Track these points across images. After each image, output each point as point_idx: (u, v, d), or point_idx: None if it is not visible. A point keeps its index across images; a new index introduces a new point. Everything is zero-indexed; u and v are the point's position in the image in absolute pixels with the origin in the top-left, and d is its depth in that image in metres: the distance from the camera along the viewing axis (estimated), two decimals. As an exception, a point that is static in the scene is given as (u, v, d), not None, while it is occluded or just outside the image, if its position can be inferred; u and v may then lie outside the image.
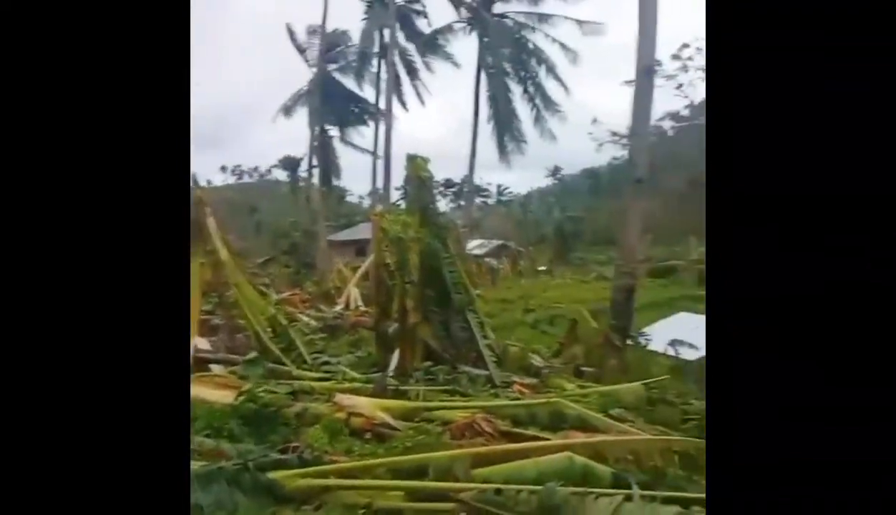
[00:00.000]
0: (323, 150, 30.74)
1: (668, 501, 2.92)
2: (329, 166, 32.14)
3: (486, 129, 27.64)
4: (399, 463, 3.37)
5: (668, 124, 59.95)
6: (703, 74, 48.12)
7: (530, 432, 4.40)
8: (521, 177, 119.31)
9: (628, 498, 2.86)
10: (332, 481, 3.17)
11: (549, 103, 26.06)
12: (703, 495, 3.01)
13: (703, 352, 11.06)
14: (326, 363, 7.54)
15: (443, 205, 61.51)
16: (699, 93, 55.30)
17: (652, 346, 9.16)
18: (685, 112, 58.87)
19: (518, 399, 5.76)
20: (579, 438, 4.01)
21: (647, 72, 8.71)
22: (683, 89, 49.78)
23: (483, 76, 26.73)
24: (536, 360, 8.05)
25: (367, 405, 4.71)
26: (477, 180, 37.48)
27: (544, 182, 76.16)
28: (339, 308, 14.60)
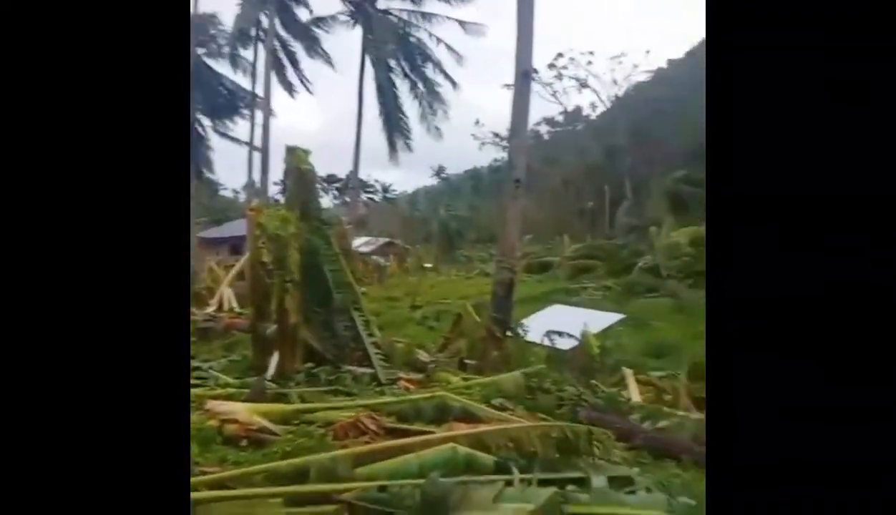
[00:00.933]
0: (194, 141, 28.53)
1: (544, 483, 3.05)
2: (200, 158, 29.88)
3: (369, 125, 27.39)
4: (278, 469, 3.18)
5: (544, 128, 63.62)
6: (576, 83, 51.60)
7: (416, 427, 4.39)
8: (407, 176, 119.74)
9: (509, 483, 2.95)
10: (202, 493, 2.91)
11: (436, 101, 26.34)
12: (580, 475, 3.20)
13: (575, 342, 11.87)
14: (197, 368, 6.99)
15: (326, 201, 59.99)
16: (572, 100, 59.29)
17: (529, 337, 9.62)
18: (559, 118, 62.89)
19: (405, 395, 5.73)
20: (463, 429, 4.08)
21: (524, 76, 9.12)
22: (558, 96, 53.02)
23: (367, 71, 26.45)
24: (422, 356, 8.10)
25: (242, 410, 4.41)
26: (363, 177, 36.98)
27: (430, 181, 77.32)
28: (211, 309, 13.64)
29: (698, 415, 9.23)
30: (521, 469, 3.15)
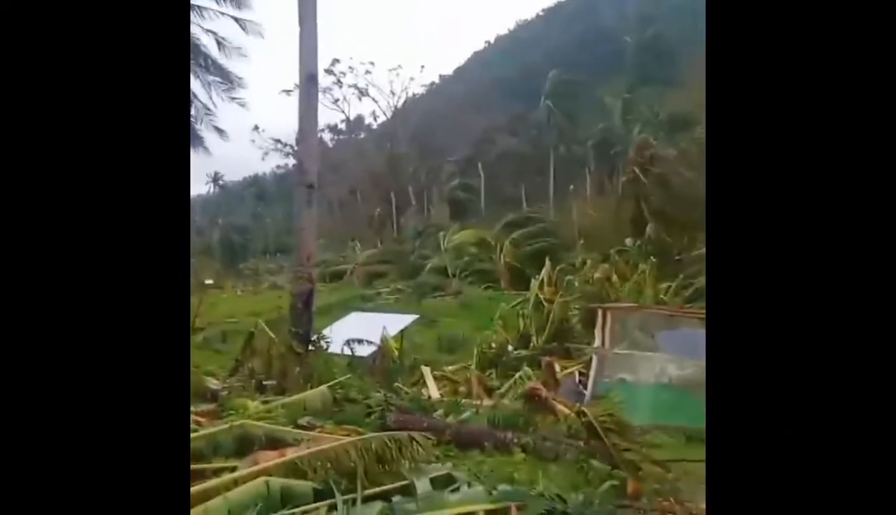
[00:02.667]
0: None
1: (368, 499, 2.93)
2: None
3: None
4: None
5: (327, 136, 63.10)
6: (356, 91, 52.24)
7: (215, 465, 3.87)
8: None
9: (333, 508, 2.75)
10: None
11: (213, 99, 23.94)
12: (404, 482, 3.15)
13: (374, 347, 11.95)
14: None
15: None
16: (354, 108, 59.94)
17: (332, 349, 9.36)
18: (342, 125, 63.08)
19: (195, 431, 5.03)
20: (272, 457, 3.72)
21: (310, 78, 8.84)
22: (339, 104, 53.10)
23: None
24: (212, 383, 7.26)
25: None
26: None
27: (204, 189, 70.63)
28: None
29: (490, 402, 10.09)
30: (344, 489, 2.98)
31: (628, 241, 24.80)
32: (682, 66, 36.09)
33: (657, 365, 8.77)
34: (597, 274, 17.93)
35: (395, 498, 2.87)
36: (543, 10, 77.36)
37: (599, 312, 10.15)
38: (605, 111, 41.46)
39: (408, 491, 3.01)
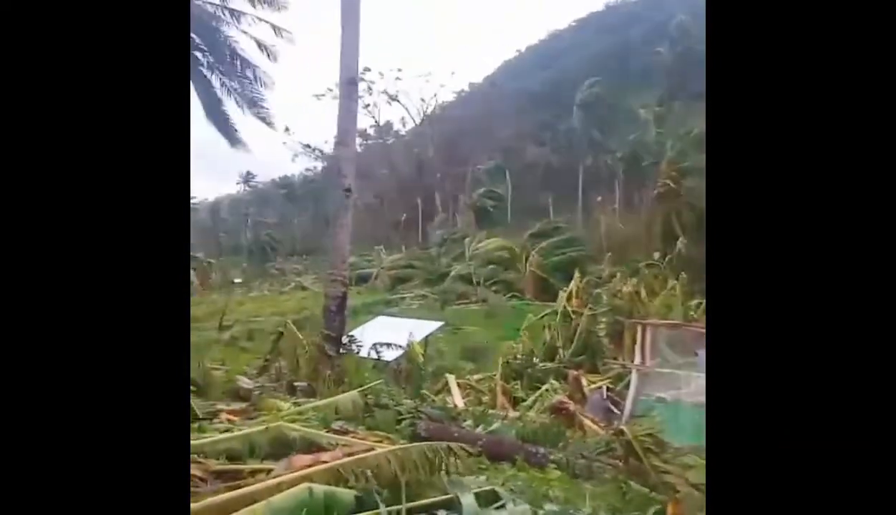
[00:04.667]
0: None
1: (412, 512, 2.86)
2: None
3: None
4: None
5: (357, 141, 63.60)
6: (386, 96, 52.69)
7: (251, 466, 3.84)
8: (207, 183, 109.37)
9: (376, 519, 2.69)
10: None
11: (252, 102, 24.32)
12: (448, 496, 3.08)
13: (400, 352, 11.93)
14: None
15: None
16: (383, 114, 60.45)
17: (362, 352, 9.36)
18: (371, 131, 63.65)
19: (229, 430, 5.03)
20: (306, 461, 3.68)
21: (350, 82, 8.88)
22: (370, 109, 53.58)
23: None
24: (244, 382, 7.29)
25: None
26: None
27: (234, 189, 71.80)
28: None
29: (514, 414, 9.96)
30: (385, 499, 2.91)
31: (657, 256, 24.41)
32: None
33: (697, 384, 8.54)
34: (625, 288, 17.66)
35: (440, 513, 2.79)
36: (576, 21, 77.13)
37: (638, 328, 9.94)
38: (636, 123, 40.99)
39: (451, 506, 2.93)
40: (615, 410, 9.20)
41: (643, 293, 17.35)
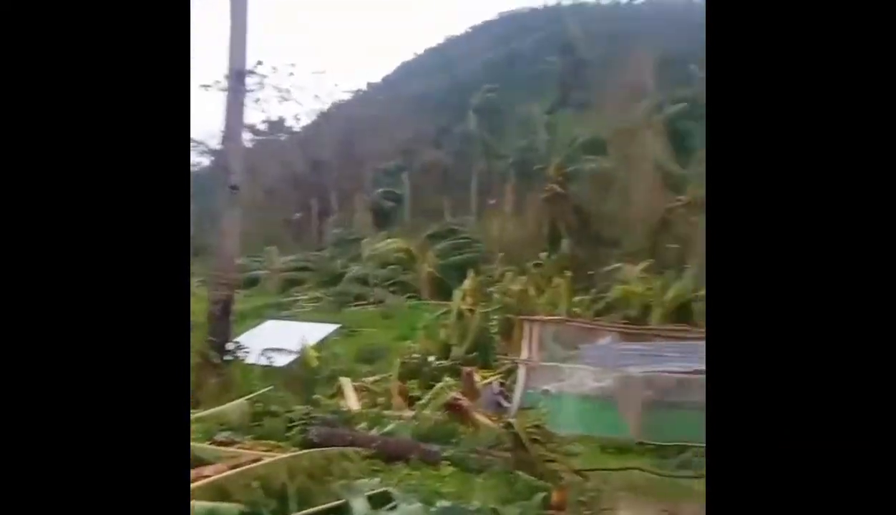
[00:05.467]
0: None
1: (301, 520, 2.80)
2: None
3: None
4: None
5: (246, 136, 60.48)
6: (278, 92, 50.55)
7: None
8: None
9: (263, 532, 2.59)
10: None
11: None
12: (339, 501, 3.02)
13: (293, 357, 11.51)
14: None
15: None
16: (276, 111, 57.89)
17: (249, 358, 8.91)
18: (262, 126, 60.68)
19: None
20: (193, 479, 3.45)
21: (238, 75, 8.44)
22: (261, 104, 51.03)
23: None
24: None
25: None
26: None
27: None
28: None
29: (410, 413, 10.01)
30: (274, 510, 2.82)
31: (543, 255, 25.75)
32: (600, 90, 38.08)
33: (579, 376, 9.11)
34: (515, 287, 18.42)
35: (331, 518, 2.75)
36: (471, 28, 79.07)
37: (526, 324, 10.40)
38: (527, 129, 42.92)
39: (342, 511, 2.90)
40: (506, 404, 9.57)
41: (531, 291, 18.20)
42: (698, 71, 32.41)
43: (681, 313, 16.38)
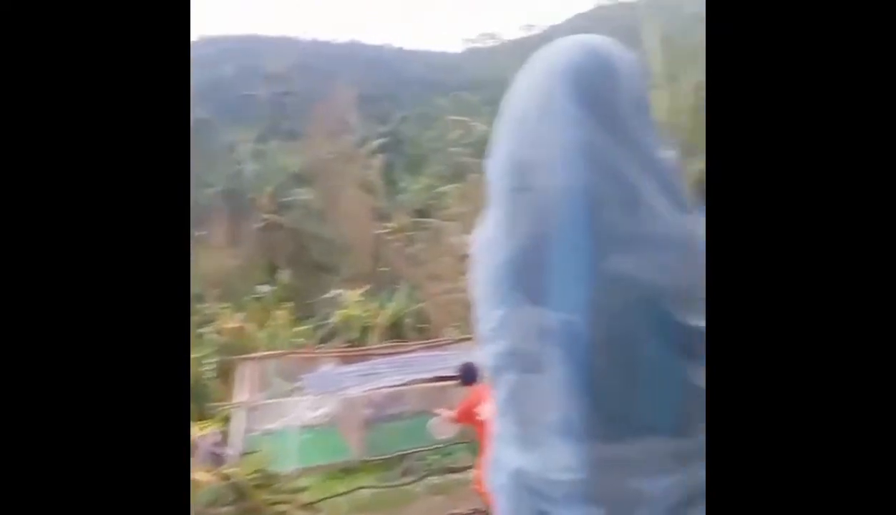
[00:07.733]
0: None
1: None
2: None
3: None
4: None
5: None
6: None
7: None
8: None
9: None
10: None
11: None
12: None
13: None
14: None
15: None
16: None
17: None
18: None
19: None
20: None
21: None
22: None
23: None
24: None
25: None
26: None
27: None
28: None
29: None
30: None
31: (261, 288, 24.78)
32: (307, 121, 38.74)
33: (301, 407, 8.96)
34: (231, 325, 17.25)
35: None
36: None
37: (240, 364, 9.80)
38: (236, 158, 40.92)
39: None
40: (225, 452, 8.83)
41: (251, 326, 17.31)
42: (395, 109, 35.80)
43: (394, 330, 17.67)
